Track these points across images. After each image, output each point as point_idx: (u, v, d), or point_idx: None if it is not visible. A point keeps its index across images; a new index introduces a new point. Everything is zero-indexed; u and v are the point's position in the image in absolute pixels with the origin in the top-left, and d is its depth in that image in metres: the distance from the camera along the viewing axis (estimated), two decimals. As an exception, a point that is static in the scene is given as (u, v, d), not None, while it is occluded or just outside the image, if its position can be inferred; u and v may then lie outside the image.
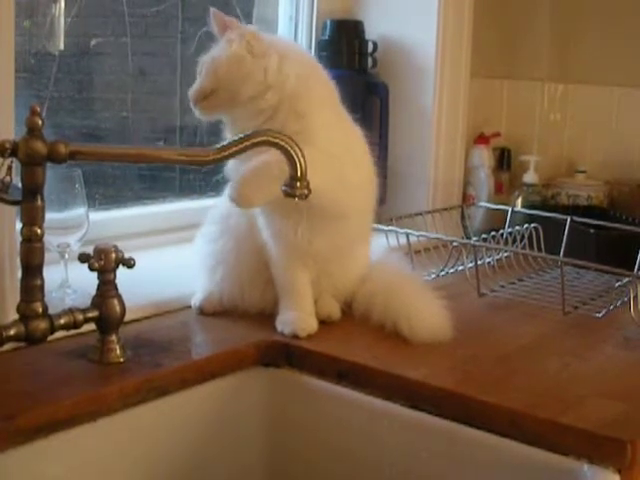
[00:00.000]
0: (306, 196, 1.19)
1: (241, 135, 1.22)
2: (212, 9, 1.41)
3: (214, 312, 1.49)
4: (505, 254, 1.83)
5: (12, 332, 1.19)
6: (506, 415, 1.17)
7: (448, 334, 1.41)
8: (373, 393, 1.30)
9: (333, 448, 1.36)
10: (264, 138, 1.20)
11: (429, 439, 1.24)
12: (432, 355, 1.36)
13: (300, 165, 1.18)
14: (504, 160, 2.33)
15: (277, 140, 1.19)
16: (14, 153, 1.17)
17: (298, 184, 1.18)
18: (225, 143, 1.22)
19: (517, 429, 1.15)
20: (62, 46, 1.74)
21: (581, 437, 1.10)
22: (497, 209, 2.07)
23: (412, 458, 1.26)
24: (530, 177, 2.24)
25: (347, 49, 2.01)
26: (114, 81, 1.89)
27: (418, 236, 1.76)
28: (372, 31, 2.06)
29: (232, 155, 1.22)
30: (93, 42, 1.82)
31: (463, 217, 2.07)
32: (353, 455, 1.34)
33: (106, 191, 1.81)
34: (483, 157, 2.21)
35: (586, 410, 1.17)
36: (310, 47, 2.06)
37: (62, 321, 1.23)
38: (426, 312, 1.44)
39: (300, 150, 1.17)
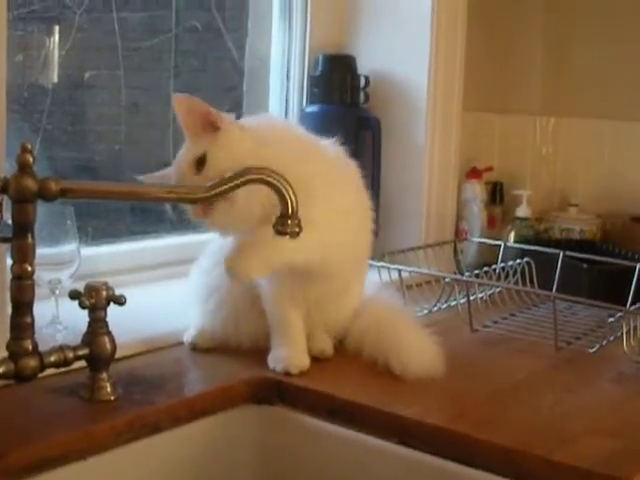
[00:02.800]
0: (297, 234, 1.18)
1: (231, 174, 1.22)
2: (177, 96, 1.35)
3: (207, 348, 1.48)
4: (498, 289, 1.83)
5: (1, 370, 1.18)
6: (499, 452, 1.16)
7: (440, 370, 1.40)
8: (365, 430, 1.29)
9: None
10: (254, 176, 1.20)
11: (421, 477, 1.23)
12: (424, 392, 1.35)
13: (291, 203, 1.17)
14: (497, 194, 2.33)
15: (268, 178, 1.19)
16: (5, 190, 1.16)
17: (289, 222, 1.18)
18: (216, 181, 1.22)
19: (511, 467, 1.14)
20: (56, 79, 1.75)
21: (575, 475, 1.10)
22: (490, 244, 2.08)
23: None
24: (522, 211, 2.24)
25: (339, 84, 2.02)
26: (107, 114, 1.89)
27: (410, 272, 1.76)
28: (364, 65, 2.06)
29: (223, 193, 1.21)
30: (86, 75, 1.83)
31: (456, 252, 2.07)
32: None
33: (98, 224, 1.81)
34: (475, 191, 2.22)
35: (580, 447, 1.16)
36: (302, 82, 2.06)
37: (52, 359, 1.22)
38: (417, 349, 1.44)
39: (291, 188, 1.17)
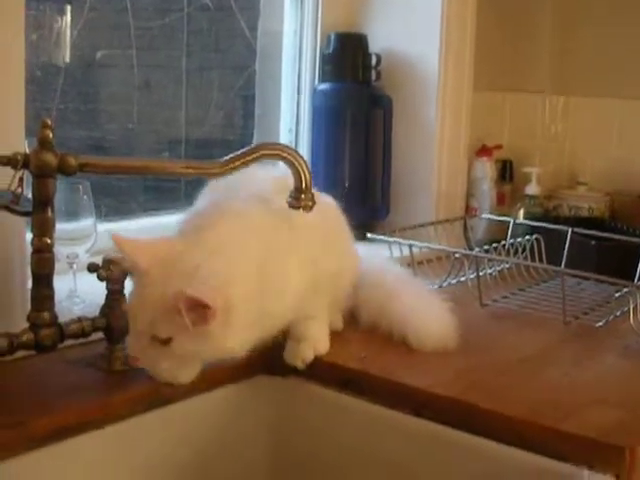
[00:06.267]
0: (310, 208, 1.21)
1: (246, 148, 1.24)
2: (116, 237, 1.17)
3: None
4: (507, 265, 1.85)
5: (23, 340, 1.21)
6: (508, 423, 1.18)
7: (454, 341, 1.42)
8: (377, 401, 1.31)
9: (338, 455, 1.37)
10: (269, 152, 1.23)
11: (432, 446, 1.26)
12: (435, 364, 1.38)
13: (305, 177, 1.20)
14: (506, 172, 2.34)
15: (283, 154, 1.21)
16: (25, 165, 1.19)
17: (303, 196, 1.21)
18: (232, 156, 1.24)
19: (519, 436, 1.17)
20: (68, 58, 1.75)
21: (581, 444, 1.12)
22: (499, 220, 2.09)
23: (415, 465, 1.28)
24: (532, 189, 2.25)
25: (351, 62, 2.04)
26: (119, 93, 1.89)
27: (421, 247, 1.78)
28: (376, 44, 2.08)
29: (238, 167, 1.23)
30: (99, 54, 1.83)
31: (466, 228, 2.08)
32: (358, 462, 1.35)
33: (111, 202, 1.83)
34: (485, 169, 2.23)
35: (586, 418, 1.18)
36: (315, 60, 2.08)
37: (71, 329, 1.25)
38: (432, 319, 1.46)
39: (305, 162, 1.20)
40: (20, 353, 1.24)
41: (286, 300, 1.24)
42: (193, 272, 1.10)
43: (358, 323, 1.52)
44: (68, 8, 1.73)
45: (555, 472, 1.13)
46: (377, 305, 1.49)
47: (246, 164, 1.24)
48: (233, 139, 2.08)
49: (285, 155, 1.21)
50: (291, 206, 1.21)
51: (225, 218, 1.23)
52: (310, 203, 1.21)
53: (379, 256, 1.61)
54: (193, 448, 1.34)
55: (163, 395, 1.26)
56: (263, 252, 1.21)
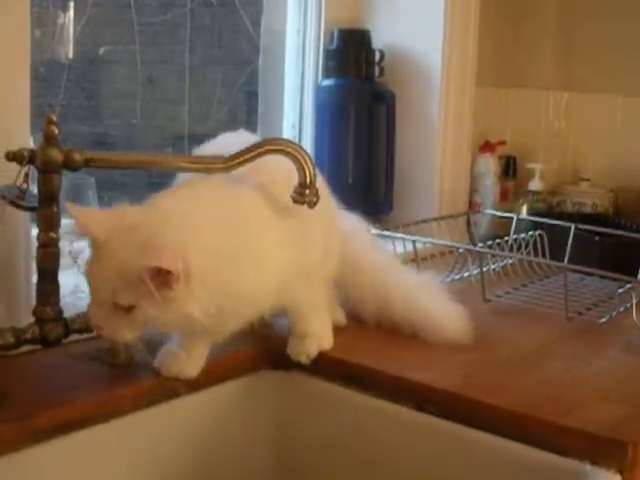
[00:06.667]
0: (315, 203, 1.21)
1: (252, 144, 1.25)
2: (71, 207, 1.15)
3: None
4: (510, 261, 1.86)
5: (28, 335, 1.23)
6: (510, 417, 1.19)
7: (468, 336, 1.44)
8: (381, 395, 1.32)
9: (341, 450, 1.38)
10: (273, 147, 1.23)
11: (434, 440, 1.27)
12: (438, 358, 1.39)
13: (309, 172, 1.20)
14: (510, 168, 2.35)
15: (287, 149, 1.22)
16: (31, 161, 1.21)
17: (307, 191, 1.21)
18: (238, 152, 1.25)
19: (521, 431, 1.17)
20: (71, 54, 1.76)
21: (583, 439, 1.13)
22: (502, 216, 2.10)
23: (417, 459, 1.29)
24: (535, 185, 2.26)
25: (354, 58, 2.04)
26: (123, 89, 1.90)
27: (424, 243, 1.79)
28: (379, 40, 2.08)
29: (243, 163, 1.24)
30: (102, 50, 1.83)
31: (469, 224, 2.09)
32: (360, 456, 1.36)
33: (114, 196, 1.83)
34: (489, 165, 2.23)
35: (588, 412, 1.19)
36: (317, 56, 2.08)
37: (76, 325, 1.27)
38: (446, 314, 1.47)
39: (309, 157, 1.20)
40: (25, 347, 1.25)
41: (263, 280, 1.23)
42: (150, 240, 1.10)
43: (361, 318, 1.52)
44: (71, 4, 1.73)
45: (558, 467, 1.14)
46: (382, 299, 1.49)
47: (251, 159, 1.24)
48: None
49: (289, 150, 1.21)
50: (295, 201, 1.21)
51: (187, 187, 1.26)
52: (315, 199, 1.21)
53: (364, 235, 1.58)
54: (196, 442, 1.35)
55: (167, 389, 1.27)
56: (233, 226, 1.20)
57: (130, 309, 1.11)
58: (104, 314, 1.13)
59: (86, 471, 1.20)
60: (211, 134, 1.93)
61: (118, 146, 1.89)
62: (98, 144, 1.85)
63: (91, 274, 1.13)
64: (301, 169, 1.20)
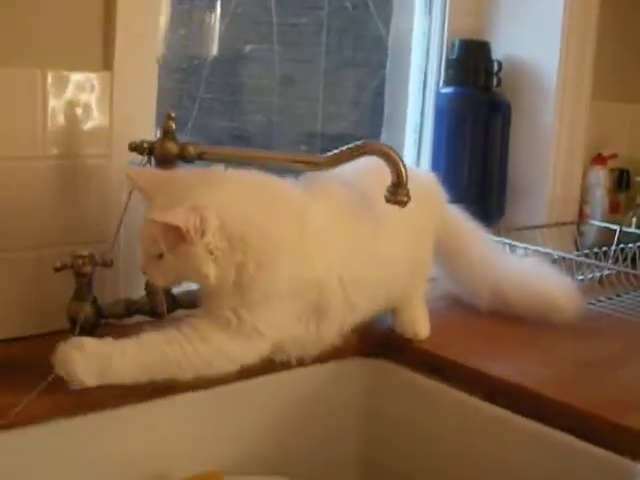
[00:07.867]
0: (405, 203, 1.28)
1: (351, 145, 1.33)
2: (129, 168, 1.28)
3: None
4: (606, 271, 1.90)
5: (139, 306, 1.36)
6: (575, 414, 1.25)
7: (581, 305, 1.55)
8: (460, 387, 1.40)
9: (426, 439, 1.45)
10: (371, 148, 1.32)
11: (505, 433, 1.34)
12: (517, 354, 1.46)
13: (402, 172, 1.27)
14: (622, 180, 2.36)
15: (384, 150, 1.30)
16: (151, 152, 1.32)
17: (399, 190, 1.28)
18: (337, 151, 1.33)
19: (584, 428, 1.23)
20: (215, 51, 1.84)
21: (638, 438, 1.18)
22: (607, 227, 2.15)
23: (494, 450, 1.36)
24: (645, 198, 2.29)
25: (474, 68, 2.08)
26: (261, 86, 1.95)
27: (524, 248, 1.86)
28: (498, 51, 2.12)
29: (342, 162, 1.32)
30: (243, 48, 1.90)
31: (578, 233, 2.14)
32: (445, 446, 1.43)
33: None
34: (600, 177, 2.26)
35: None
36: (440, 64, 2.14)
37: (183, 299, 1.39)
38: (559, 285, 1.60)
39: (402, 159, 1.28)
40: (136, 318, 1.37)
41: (309, 261, 1.28)
42: (183, 199, 1.18)
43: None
44: (218, 3, 1.82)
45: (611, 464, 1.20)
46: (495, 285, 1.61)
47: (350, 159, 1.32)
48: (361, 135, 2.09)
49: (385, 152, 1.29)
50: (387, 200, 1.28)
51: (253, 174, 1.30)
52: (405, 199, 1.27)
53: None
54: (287, 420, 1.43)
55: (265, 365, 1.31)
56: (280, 204, 1.27)
57: (160, 257, 1.20)
58: (146, 261, 1.23)
59: (173, 435, 1.30)
60: (342, 133, 2.00)
61: (255, 141, 1.95)
62: (236, 138, 1.91)
63: (141, 227, 1.23)
64: (394, 170, 1.27)
